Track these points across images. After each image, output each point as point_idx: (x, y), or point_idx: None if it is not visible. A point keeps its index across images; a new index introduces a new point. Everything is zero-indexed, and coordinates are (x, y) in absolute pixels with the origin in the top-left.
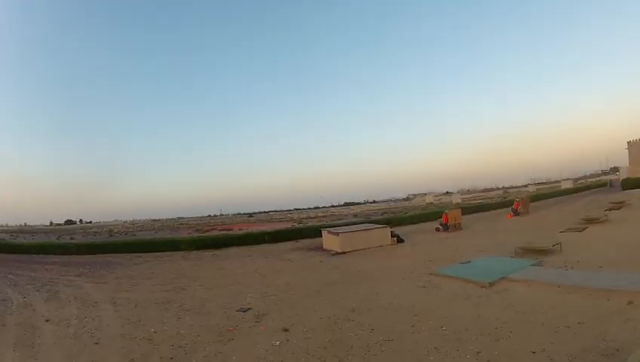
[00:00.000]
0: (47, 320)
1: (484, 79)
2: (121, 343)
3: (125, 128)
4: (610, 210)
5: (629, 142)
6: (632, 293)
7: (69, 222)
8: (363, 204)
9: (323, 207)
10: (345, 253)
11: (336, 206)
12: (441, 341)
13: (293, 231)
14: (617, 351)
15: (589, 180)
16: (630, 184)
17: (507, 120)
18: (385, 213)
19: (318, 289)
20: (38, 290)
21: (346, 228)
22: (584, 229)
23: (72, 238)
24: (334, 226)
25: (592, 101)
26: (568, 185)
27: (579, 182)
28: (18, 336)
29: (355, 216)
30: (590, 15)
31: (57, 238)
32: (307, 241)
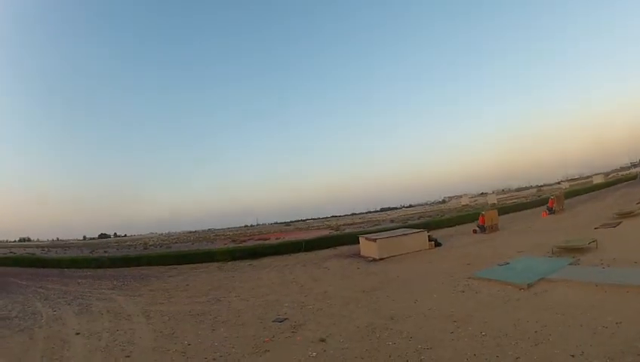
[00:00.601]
0: (77, 334)
1: (509, 78)
2: (153, 356)
3: (161, 140)
4: None
5: None
6: None
7: (103, 235)
8: (399, 208)
9: (360, 213)
10: (383, 259)
11: (372, 211)
12: (481, 347)
13: (330, 238)
14: None
15: (620, 173)
16: None
17: (535, 117)
18: (421, 216)
19: (355, 297)
20: (69, 304)
21: (384, 234)
22: (618, 224)
23: (105, 252)
24: (371, 232)
25: (616, 91)
26: (600, 179)
27: (610, 176)
28: (46, 350)
29: (392, 221)
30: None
31: (90, 252)
32: (344, 248)
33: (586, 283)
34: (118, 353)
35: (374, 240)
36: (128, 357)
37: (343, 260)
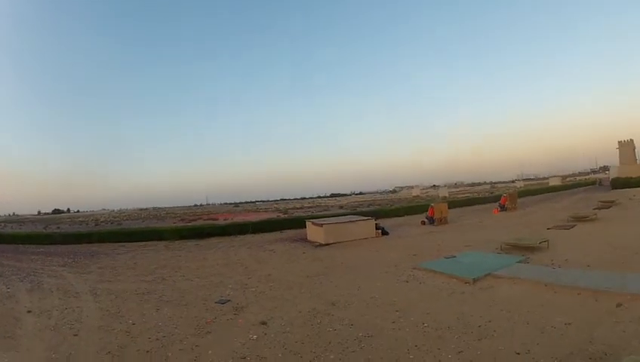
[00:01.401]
0: (29, 311)
1: (476, 76)
2: (98, 335)
3: (115, 117)
4: (600, 208)
5: (619, 142)
6: (622, 295)
7: (56, 211)
8: (349, 195)
9: (310, 198)
10: (329, 244)
11: (322, 197)
12: (423, 338)
13: (278, 221)
14: (606, 355)
15: (578, 178)
16: (620, 183)
17: (497, 117)
18: (371, 205)
19: (299, 281)
20: (21, 281)
21: (331, 220)
22: (572, 227)
23: (58, 228)
24: (319, 217)
25: (583, 101)
26: (556, 182)
27: (567, 179)
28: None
29: (341, 207)
30: (586, 15)
31: (44, 228)
32: (291, 232)
33: (535, 282)
34: (66, 331)
35: (321, 225)
36: (76, 335)
37: (289, 244)
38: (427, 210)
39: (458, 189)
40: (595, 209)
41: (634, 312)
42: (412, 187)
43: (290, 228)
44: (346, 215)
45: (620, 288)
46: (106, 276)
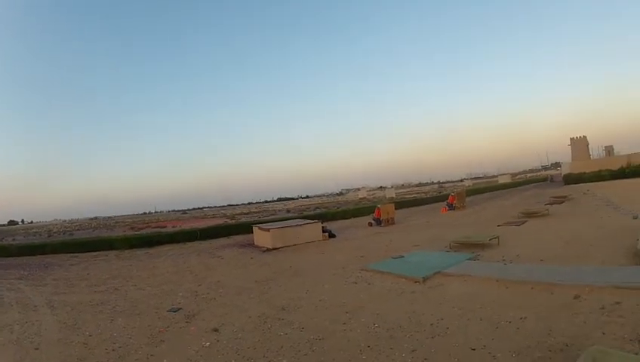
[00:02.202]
0: None
1: (424, 76)
2: (58, 348)
3: (65, 125)
4: (552, 204)
5: (571, 139)
6: (579, 287)
7: (12, 222)
8: (296, 199)
9: (256, 203)
10: (276, 249)
11: (269, 201)
12: (374, 339)
13: (225, 227)
14: (567, 346)
15: (529, 175)
16: (572, 179)
17: (446, 117)
18: (318, 208)
19: (248, 287)
20: None
21: (277, 224)
22: (523, 223)
23: (14, 239)
24: (266, 222)
25: (534, 101)
26: (506, 179)
27: (517, 176)
28: None
29: (288, 211)
30: (539, 17)
31: (0, 240)
32: (239, 238)
33: (486, 279)
34: (28, 345)
35: (268, 229)
36: (37, 349)
37: (238, 249)
38: (374, 212)
39: (405, 190)
40: (546, 204)
41: (594, 303)
42: (359, 189)
43: (238, 234)
44: (293, 219)
45: (576, 280)
46: (60, 288)
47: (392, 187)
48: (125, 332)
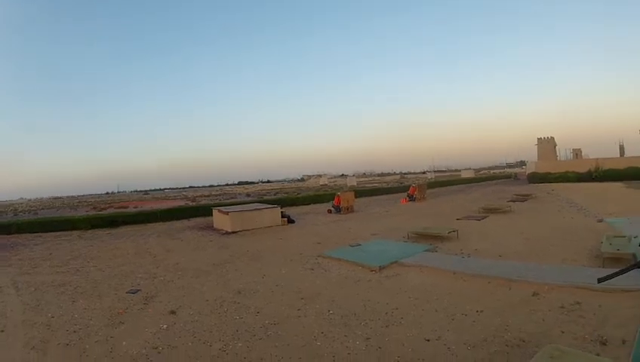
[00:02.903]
0: None
1: (393, 66)
2: (23, 329)
3: (27, 99)
4: (515, 201)
5: (539, 139)
6: (537, 284)
7: None
8: (257, 183)
9: (218, 186)
10: (235, 232)
11: (230, 185)
12: (329, 325)
13: (186, 209)
14: (523, 341)
15: (493, 172)
16: (537, 178)
17: (411, 108)
18: (278, 193)
19: (206, 269)
20: None
21: (237, 208)
22: (484, 218)
23: None
24: (226, 205)
25: (502, 98)
26: (469, 174)
27: (481, 172)
28: None
29: (249, 195)
30: (512, 15)
31: None
32: (200, 220)
33: (443, 271)
34: None
35: (227, 213)
36: (2, 331)
37: (197, 232)
38: (334, 199)
39: (367, 179)
40: (509, 201)
41: (552, 302)
42: (320, 176)
43: (198, 216)
44: (253, 203)
45: (535, 278)
46: (25, 268)
47: (353, 175)
48: (86, 313)
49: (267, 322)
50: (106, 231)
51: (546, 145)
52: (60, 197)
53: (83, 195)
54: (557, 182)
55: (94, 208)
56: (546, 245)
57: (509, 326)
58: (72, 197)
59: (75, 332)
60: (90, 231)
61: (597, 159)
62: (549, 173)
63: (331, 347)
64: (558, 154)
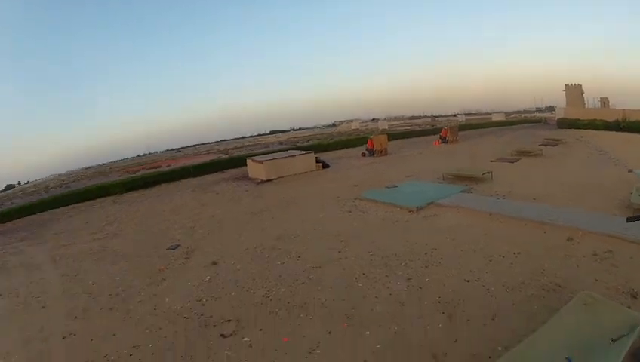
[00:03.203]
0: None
1: (421, 5)
2: (64, 302)
3: (43, 75)
4: (546, 145)
5: (566, 85)
6: (571, 229)
7: (9, 187)
8: (289, 131)
9: (249, 137)
10: (270, 180)
11: (262, 135)
12: (370, 267)
13: (219, 162)
14: (559, 286)
15: (523, 115)
16: (566, 123)
17: (440, 50)
18: (310, 139)
19: (244, 219)
20: None
21: (271, 156)
22: (517, 161)
23: (12, 203)
24: (260, 155)
25: (531, 42)
26: (500, 117)
27: (511, 116)
28: None
29: (281, 143)
30: None
31: None
32: (233, 171)
33: (479, 212)
34: (35, 306)
35: (261, 162)
36: (44, 307)
37: (232, 183)
38: (367, 143)
39: (398, 122)
40: (540, 145)
41: (586, 248)
42: (351, 121)
43: (231, 168)
44: (286, 150)
45: (568, 222)
46: (61, 241)
47: (384, 119)
48: (127, 275)
49: (309, 266)
50: (140, 193)
51: (574, 91)
52: (91, 167)
53: (114, 161)
54: (585, 128)
55: (126, 172)
56: (577, 191)
57: (545, 270)
58: (103, 164)
59: (117, 295)
60: (124, 195)
61: (624, 110)
62: (578, 120)
63: (373, 288)
64: (585, 102)
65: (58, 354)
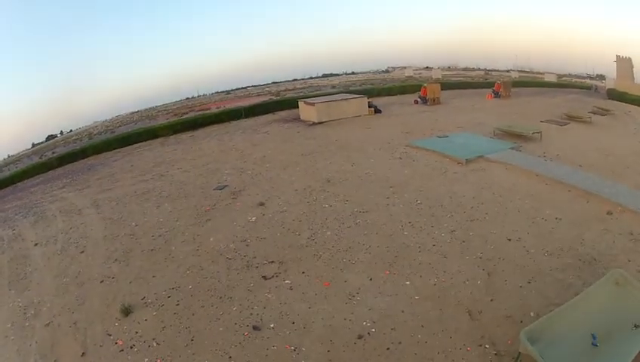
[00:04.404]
0: (35, 244)
1: None
2: (104, 245)
3: (85, 22)
4: (595, 113)
5: (617, 57)
6: (612, 203)
7: (50, 137)
8: (341, 75)
9: (301, 79)
10: (322, 123)
11: (314, 78)
12: (416, 216)
13: (270, 103)
14: (595, 260)
15: (574, 80)
16: (616, 95)
17: (496, 4)
18: (364, 84)
19: (294, 160)
20: (25, 217)
21: (323, 99)
22: (566, 125)
23: (53, 152)
24: (311, 97)
25: (586, 7)
26: (552, 78)
27: (563, 78)
28: (11, 273)
29: (334, 87)
30: None
31: (40, 157)
32: (284, 113)
33: (527, 171)
34: (73, 251)
35: (313, 104)
36: (82, 252)
37: (283, 125)
38: (420, 90)
39: (452, 72)
40: (589, 112)
41: (623, 225)
42: (405, 67)
43: (282, 110)
44: (338, 93)
45: (610, 195)
46: (104, 185)
47: (438, 68)
48: (172, 216)
49: (356, 210)
50: (188, 135)
51: (624, 64)
52: (137, 111)
53: (162, 104)
54: (633, 104)
55: (175, 115)
56: (623, 166)
57: (584, 240)
58: (151, 108)
59: (160, 236)
60: (172, 137)
61: None
62: (626, 94)
63: (418, 237)
64: (635, 77)
65: (94, 298)
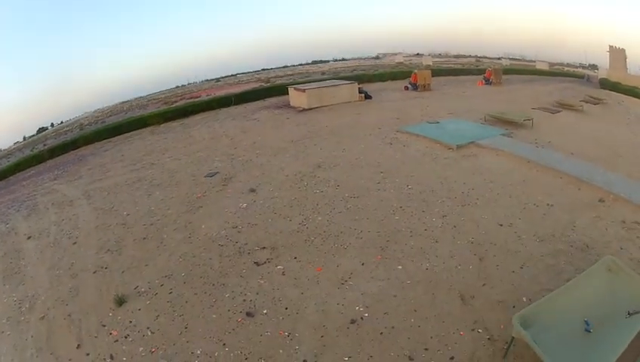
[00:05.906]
0: (28, 238)
1: None
2: (96, 236)
3: (72, 12)
4: (587, 102)
5: (610, 47)
6: (604, 191)
7: (41, 130)
8: (331, 61)
9: (291, 66)
10: (312, 109)
11: (304, 64)
12: (407, 200)
13: (260, 90)
14: (587, 247)
15: (566, 68)
16: (609, 85)
17: None
18: (354, 70)
19: (284, 146)
20: (17, 210)
21: (313, 85)
22: (558, 112)
23: (44, 145)
24: (301, 83)
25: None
26: (544, 66)
27: (555, 66)
28: (5, 268)
29: (323, 73)
30: None
31: (31, 150)
32: (274, 100)
33: (518, 157)
34: (65, 243)
35: (303, 90)
36: (75, 243)
37: (273, 111)
38: (410, 77)
39: (442, 59)
40: (581, 101)
41: (615, 213)
42: (395, 54)
43: (272, 96)
44: (328, 80)
45: (602, 183)
46: (95, 176)
47: (429, 55)
48: (163, 203)
49: (347, 195)
50: (179, 123)
51: (617, 54)
52: (127, 101)
53: (151, 94)
54: (626, 94)
55: (165, 103)
56: (615, 154)
57: (576, 227)
58: (140, 97)
59: (152, 224)
60: (162, 126)
61: None
62: (619, 84)
63: (409, 222)
64: (628, 68)
65: (87, 289)
